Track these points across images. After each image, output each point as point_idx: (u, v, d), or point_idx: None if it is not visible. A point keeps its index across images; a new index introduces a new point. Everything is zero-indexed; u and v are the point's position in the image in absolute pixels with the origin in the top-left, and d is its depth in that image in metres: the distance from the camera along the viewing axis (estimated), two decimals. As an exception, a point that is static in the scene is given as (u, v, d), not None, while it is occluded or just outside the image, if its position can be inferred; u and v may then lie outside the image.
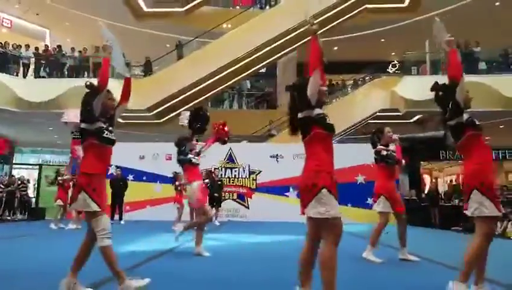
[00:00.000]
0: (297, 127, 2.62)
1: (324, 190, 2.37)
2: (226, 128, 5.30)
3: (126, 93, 3.21)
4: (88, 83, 3.02)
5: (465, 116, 2.93)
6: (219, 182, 10.68)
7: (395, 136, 4.85)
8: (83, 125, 2.98)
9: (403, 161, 4.86)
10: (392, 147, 4.91)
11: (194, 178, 5.00)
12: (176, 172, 9.55)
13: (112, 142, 3.03)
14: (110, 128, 3.04)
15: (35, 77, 13.24)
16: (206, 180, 9.87)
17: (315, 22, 2.59)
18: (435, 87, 3.11)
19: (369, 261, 4.53)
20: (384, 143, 4.84)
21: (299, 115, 2.57)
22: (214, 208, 10.53)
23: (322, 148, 2.48)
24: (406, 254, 4.68)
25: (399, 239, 4.73)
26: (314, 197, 2.38)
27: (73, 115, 10.53)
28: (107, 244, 2.84)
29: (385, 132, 4.89)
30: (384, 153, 4.76)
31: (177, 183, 9.40)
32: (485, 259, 2.87)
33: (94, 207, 2.85)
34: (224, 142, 5.38)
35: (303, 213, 2.50)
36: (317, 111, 2.54)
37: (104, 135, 2.95)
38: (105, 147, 2.99)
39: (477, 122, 2.95)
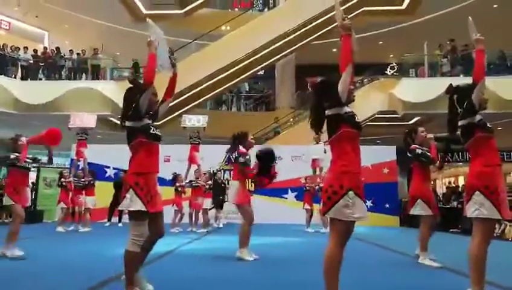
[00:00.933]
0: (322, 125, 2.55)
1: (351, 192, 2.34)
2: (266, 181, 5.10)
3: (171, 90, 3.19)
4: (131, 78, 2.99)
5: (478, 117, 2.93)
6: (222, 185, 10.61)
7: (430, 135, 4.69)
8: (129, 123, 2.89)
9: (438, 161, 4.67)
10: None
11: (238, 177, 4.95)
12: (175, 173, 9.50)
13: (159, 138, 2.96)
14: (155, 123, 3.00)
15: (22, 79, 13.20)
16: (209, 182, 9.84)
17: (347, 17, 2.51)
18: (450, 89, 3.11)
19: (426, 265, 4.41)
20: (418, 143, 4.69)
21: (327, 112, 2.50)
22: (216, 211, 10.52)
23: (351, 148, 2.43)
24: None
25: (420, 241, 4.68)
26: (341, 199, 2.34)
27: (78, 120, 10.45)
28: (135, 251, 2.78)
29: (419, 132, 4.76)
30: (419, 151, 4.60)
31: (177, 184, 9.35)
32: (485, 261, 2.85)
33: (139, 206, 2.75)
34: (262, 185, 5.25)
35: (324, 214, 2.43)
36: (346, 109, 2.49)
37: (152, 132, 2.89)
38: (153, 144, 2.92)
39: (488, 125, 2.94)
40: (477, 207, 2.79)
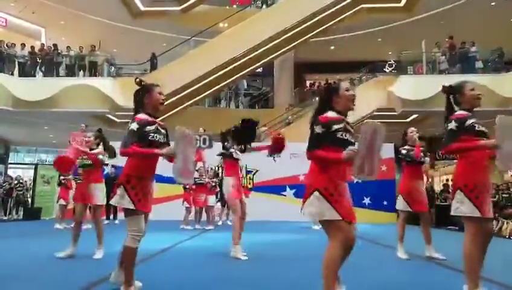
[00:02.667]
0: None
1: (316, 192, 2.41)
2: (284, 143, 4.91)
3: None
4: (138, 80, 2.96)
5: (469, 121, 2.91)
6: None
7: (415, 135, 4.84)
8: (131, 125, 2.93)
9: (426, 159, 4.80)
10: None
11: (230, 173, 5.02)
12: None
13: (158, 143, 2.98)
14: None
15: (19, 76, 13.12)
16: (214, 179, 9.85)
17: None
18: (445, 90, 3.11)
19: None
20: (411, 143, 4.85)
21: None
22: (224, 208, 10.50)
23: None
24: (431, 251, 4.74)
25: (424, 237, 4.85)
26: (309, 197, 2.44)
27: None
28: (134, 246, 2.78)
29: (408, 132, 4.92)
30: (404, 151, 4.82)
31: None
32: (479, 259, 2.85)
33: (127, 204, 2.77)
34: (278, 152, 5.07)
35: (301, 210, 2.53)
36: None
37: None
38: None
39: (477, 128, 2.92)
40: (458, 205, 2.85)
